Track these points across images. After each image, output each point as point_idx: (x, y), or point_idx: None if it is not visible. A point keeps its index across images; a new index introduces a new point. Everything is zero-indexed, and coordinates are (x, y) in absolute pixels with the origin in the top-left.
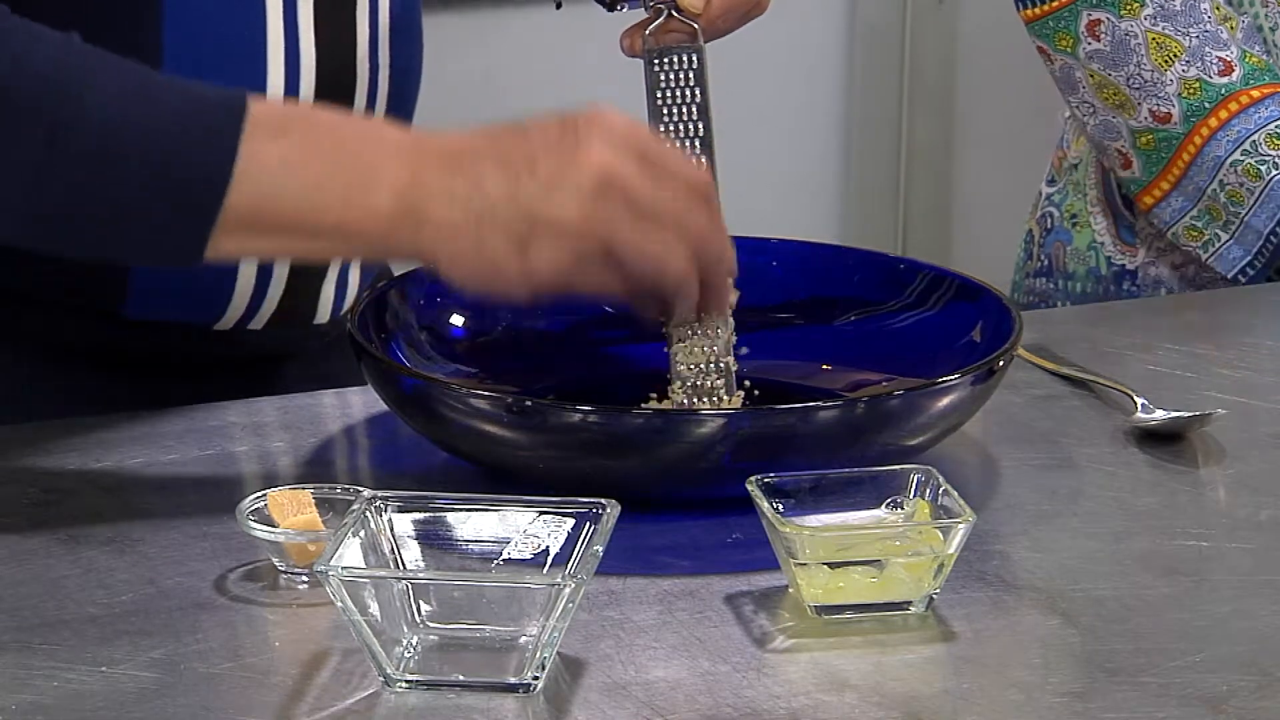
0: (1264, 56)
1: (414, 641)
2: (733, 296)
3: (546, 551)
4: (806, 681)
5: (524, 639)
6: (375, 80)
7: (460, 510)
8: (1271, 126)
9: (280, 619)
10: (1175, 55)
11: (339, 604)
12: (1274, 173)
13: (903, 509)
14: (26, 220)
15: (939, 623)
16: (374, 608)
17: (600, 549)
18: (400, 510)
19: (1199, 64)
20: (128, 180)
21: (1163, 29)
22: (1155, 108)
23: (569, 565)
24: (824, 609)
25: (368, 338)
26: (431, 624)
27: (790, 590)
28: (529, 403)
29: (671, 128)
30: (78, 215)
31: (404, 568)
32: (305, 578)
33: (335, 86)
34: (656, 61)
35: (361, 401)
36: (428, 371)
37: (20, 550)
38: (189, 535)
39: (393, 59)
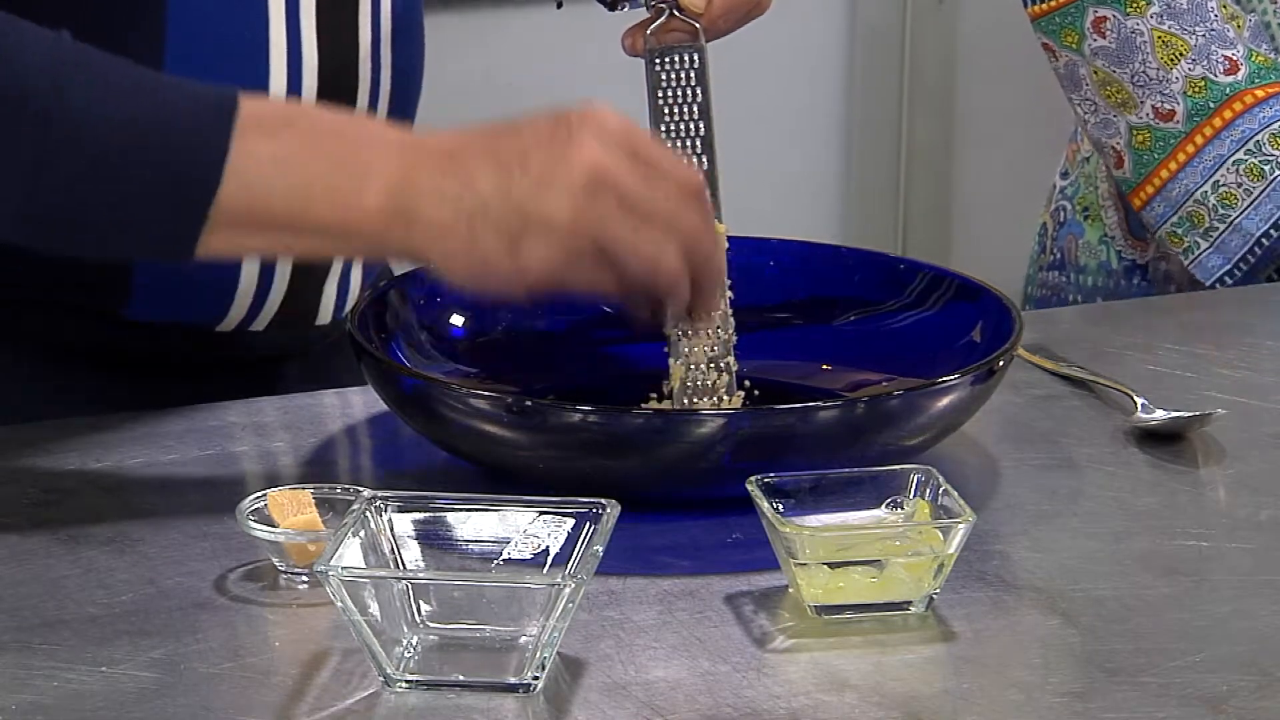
0: (1271, 55)
1: (414, 641)
2: (726, 294)
3: (546, 551)
4: (806, 681)
5: (524, 639)
6: (377, 81)
7: (460, 510)
8: (1276, 126)
9: (280, 619)
10: (1181, 53)
11: (339, 604)
12: (1277, 172)
13: (903, 509)
14: (18, 218)
15: (939, 623)
16: (374, 608)
17: (600, 549)
18: (400, 510)
19: (1204, 62)
20: (119, 178)
21: (1168, 27)
22: (1159, 105)
23: (569, 565)
24: (824, 609)
25: (368, 338)
26: (431, 624)
27: (790, 590)
28: (529, 403)
29: (672, 127)
30: (69, 213)
31: (404, 568)
32: (305, 578)
33: (337, 87)
34: (658, 61)
35: (362, 401)
36: (428, 371)
37: (20, 550)
38: (189, 535)
39: (394, 59)
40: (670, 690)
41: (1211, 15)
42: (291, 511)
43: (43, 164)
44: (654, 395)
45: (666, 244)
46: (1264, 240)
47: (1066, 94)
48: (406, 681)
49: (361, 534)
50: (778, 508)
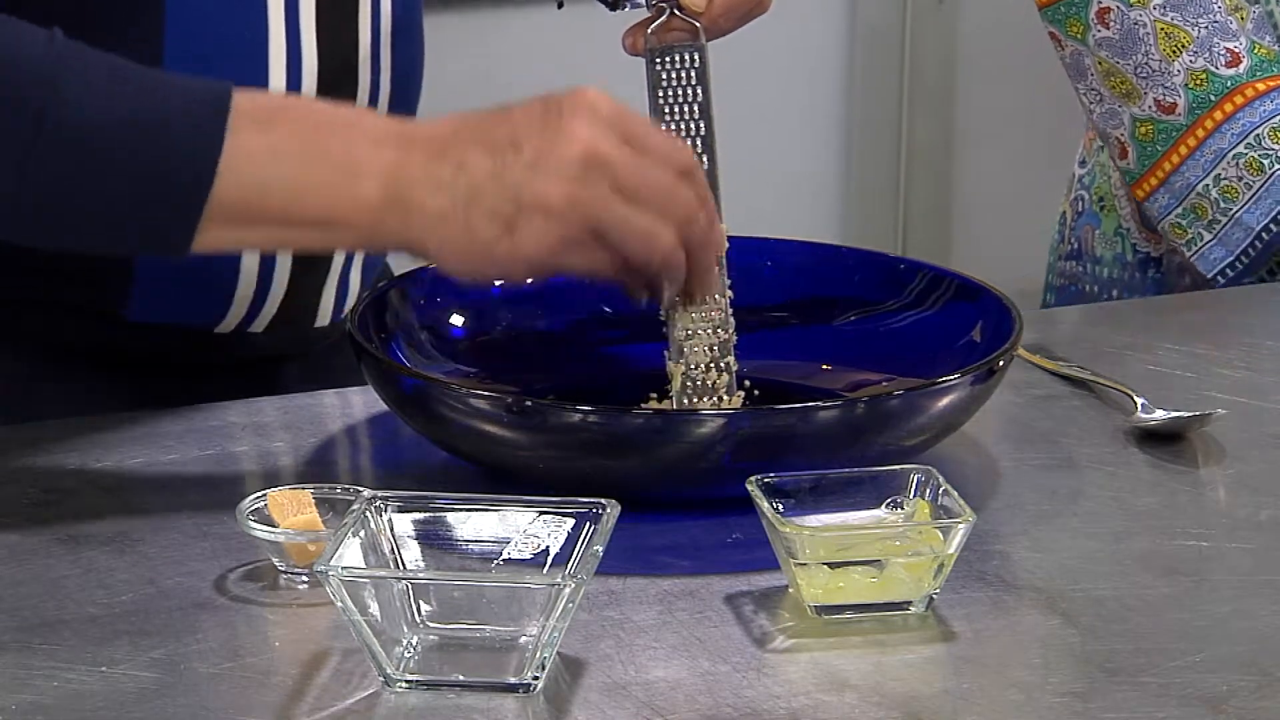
0: (1274, 47)
1: (414, 641)
2: (726, 294)
3: (546, 551)
4: (806, 681)
5: (524, 639)
6: (377, 81)
7: (460, 510)
8: (1276, 120)
9: (280, 619)
10: (1183, 45)
11: (339, 604)
12: (1277, 167)
13: (903, 509)
14: (13, 213)
15: (939, 623)
16: (374, 608)
17: (600, 549)
18: (400, 510)
19: (1206, 55)
20: (113, 174)
21: (1171, 19)
22: (1161, 97)
23: (569, 565)
24: (824, 609)
25: (368, 338)
26: (431, 624)
27: (790, 590)
28: (529, 403)
29: (673, 126)
30: (64, 209)
31: (404, 568)
32: (305, 578)
33: (337, 87)
34: (658, 60)
35: (362, 401)
36: (428, 371)
37: (20, 550)
38: (189, 535)
39: (394, 59)
40: (670, 690)
41: (1215, 7)
42: (291, 511)
43: (37, 160)
44: (654, 395)
45: (661, 223)
46: (1264, 235)
47: (1073, 84)
48: (406, 681)
49: (361, 534)
50: (778, 508)
